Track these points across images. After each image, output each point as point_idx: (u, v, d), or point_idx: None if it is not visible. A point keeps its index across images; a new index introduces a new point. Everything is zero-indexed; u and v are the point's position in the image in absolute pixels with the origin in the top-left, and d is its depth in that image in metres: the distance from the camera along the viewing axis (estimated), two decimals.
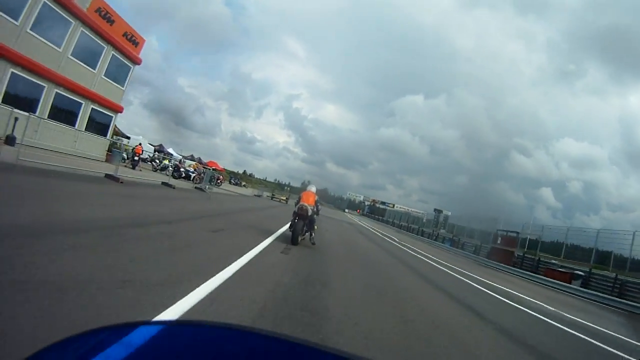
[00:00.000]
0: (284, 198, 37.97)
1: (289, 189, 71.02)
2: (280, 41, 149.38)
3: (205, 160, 54.67)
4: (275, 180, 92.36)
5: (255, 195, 34.01)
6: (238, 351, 0.61)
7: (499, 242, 22.54)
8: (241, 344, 0.63)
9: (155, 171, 24.11)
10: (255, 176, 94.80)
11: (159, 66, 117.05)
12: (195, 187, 17.93)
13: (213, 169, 53.28)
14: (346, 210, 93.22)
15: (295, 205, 8.55)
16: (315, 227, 9.02)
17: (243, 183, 58.11)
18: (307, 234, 8.67)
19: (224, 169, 64.44)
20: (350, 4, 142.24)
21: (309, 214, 8.23)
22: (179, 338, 0.63)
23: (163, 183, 14.80)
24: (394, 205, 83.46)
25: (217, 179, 30.41)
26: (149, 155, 30.55)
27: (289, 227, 8.66)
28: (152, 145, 40.09)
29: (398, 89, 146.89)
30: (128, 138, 31.47)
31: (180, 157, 44.22)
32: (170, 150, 44.01)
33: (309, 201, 8.37)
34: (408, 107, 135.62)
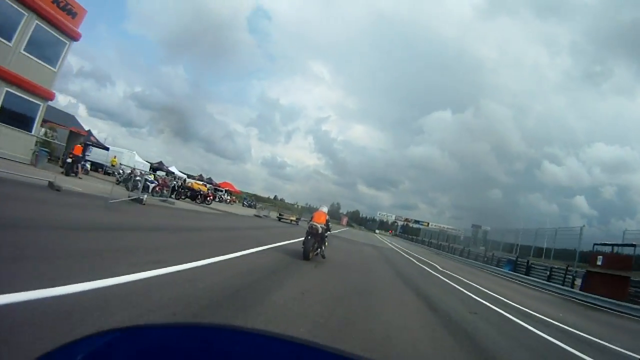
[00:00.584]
0: (294, 218, 31.74)
1: (300, 207, 64.61)
2: (306, 65, 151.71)
3: (218, 181, 50.55)
4: (306, 204, 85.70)
5: (255, 215, 28.18)
6: (240, 351, 0.60)
7: (599, 263, 14.66)
8: (242, 344, 0.61)
9: (119, 183, 19.12)
10: (286, 200, 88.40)
11: (187, 95, 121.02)
12: (131, 199, 12.05)
13: (226, 190, 48.62)
14: (377, 231, 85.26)
15: (308, 224, 8.80)
16: (326, 243, 9.37)
17: (259, 205, 53.01)
18: (318, 250, 8.87)
19: (241, 191, 59.70)
20: (371, 24, 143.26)
21: (320, 232, 8.47)
22: (182, 340, 0.61)
23: (50, 184, 9.33)
24: (428, 223, 73.67)
25: (207, 196, 24.70)
26: (132, 170, 25.94)
27: (302, 244, 8.45)
28: (148, 162, 36.22)
29: (425, 106, 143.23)
30: (107, 149, 27.30)
31: (185, 176, 40.42)
32: (172, 169, 40.22)
33: (320, 220, 8.65)
34: (436, 123, 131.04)
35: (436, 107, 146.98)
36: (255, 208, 43.11)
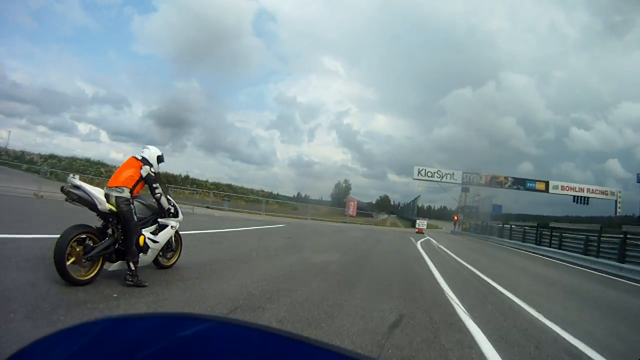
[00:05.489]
0: None
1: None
2: (319, 61, 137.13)
3: None
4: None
5: None
6: (232, 346, 0.56)
7: None
8: (235, 338, 0.58)
9: None
10: (311, 197, 66.16)
11: (205, 107, 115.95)
12: None
13: None
14: (419, 222, 33.87)
15: None
16: (174, 244, 4.45)
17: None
18: (130, 263, 3.51)
19: None
20: (377, 11, 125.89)
21: (119, 206, 3.50)
22: (182, 332, 0.58)
23: None
24: (546, 183, 35.60)
25: None
26: None
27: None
28: None
29: (443, 86, 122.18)
30: None
31: None
32: None
33: (117, 181, 3.58)
34: (457, 101, 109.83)
35: (454, 86, 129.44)
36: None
